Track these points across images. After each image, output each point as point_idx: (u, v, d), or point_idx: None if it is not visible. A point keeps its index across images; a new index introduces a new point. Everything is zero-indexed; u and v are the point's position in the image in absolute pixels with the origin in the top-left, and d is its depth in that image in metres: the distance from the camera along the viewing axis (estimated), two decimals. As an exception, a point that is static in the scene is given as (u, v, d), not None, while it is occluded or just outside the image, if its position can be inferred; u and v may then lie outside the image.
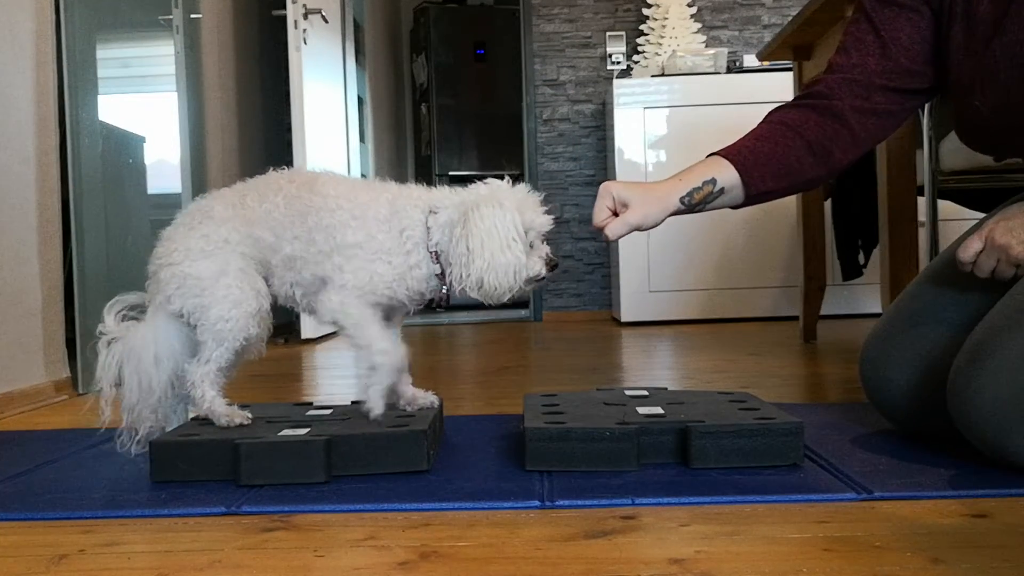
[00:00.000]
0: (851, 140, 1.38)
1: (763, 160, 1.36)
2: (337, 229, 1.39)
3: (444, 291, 1.44)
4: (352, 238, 1.38)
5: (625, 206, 1.35)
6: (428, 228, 1.40)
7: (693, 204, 1.37)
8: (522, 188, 1.41)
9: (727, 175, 1.36)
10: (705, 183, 1.35)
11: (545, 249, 1.41)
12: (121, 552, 1.03)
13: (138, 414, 1.43)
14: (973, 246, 1.27)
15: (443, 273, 1.40)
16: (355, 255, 1.38)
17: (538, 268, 1.39)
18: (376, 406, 1.39)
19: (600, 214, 1.37)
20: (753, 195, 1.38)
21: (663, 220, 1.37)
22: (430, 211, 1.41)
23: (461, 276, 1.36)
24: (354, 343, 1.40)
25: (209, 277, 1.39)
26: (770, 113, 1.44)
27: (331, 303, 1.39)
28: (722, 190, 1.36)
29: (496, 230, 1.35)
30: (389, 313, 1.47)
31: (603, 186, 1.38)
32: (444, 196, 1.42)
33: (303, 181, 1.44)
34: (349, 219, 1.39)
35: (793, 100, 1.45)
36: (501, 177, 1.43)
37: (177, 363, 1.45)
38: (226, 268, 1.40)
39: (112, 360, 1.42)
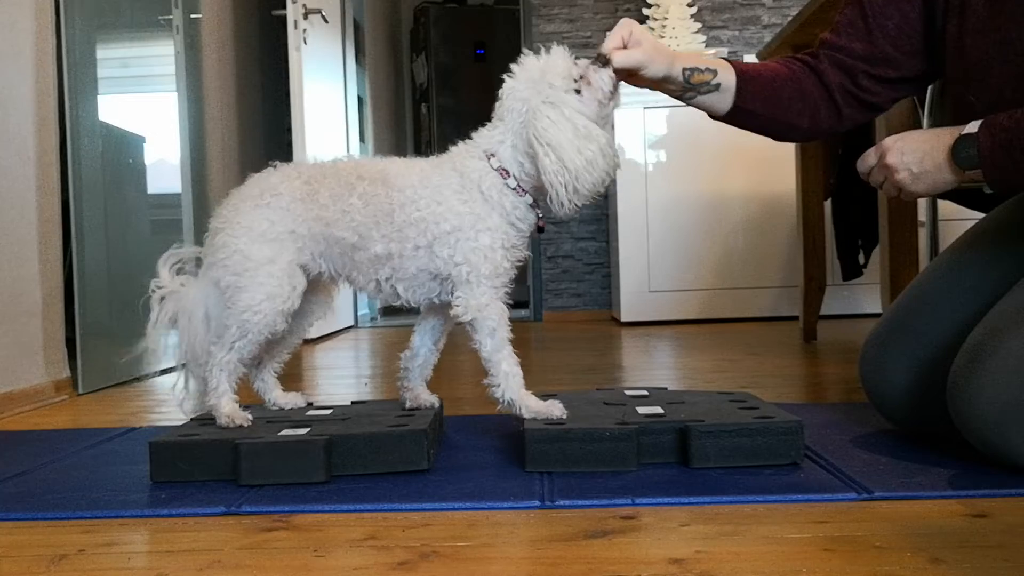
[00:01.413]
0: (836, 113, 1.41)
1: (762, 81, 1.40)
2: (428, 222, 1.36)
3: (541, 217, 1.42)
4: (447, 225, 1.36)
5: (638, 44, 1.33)
6: (499, 169, 1.37)
7: (689, 83, 1.37)
8: (541, 58, 1.36)
9: (727, 76, 1.39)
10: (708, 70, 1.38)
11: (587, 65, 1.35)
12: (121, 552, 1.03)
13: (192, 370, 1.45)
14: (869, 160, 1.32)
15: (535, 202, 1.39)
16: (458, 240, 1.36)
17: (606, 79, 1.34)
18: (551, 412, 1.36)
19: (611, 42, 1.33)
20: (739, 108, 1.40)
21: (660, 79, 1.35)
22: (488, 156, 1.38)
23: (565, 193, 1.31)
24: (481, 351, 1.38)
25: (256, 261, 1.38)
26: (773, 59, 1.47)
27: (471, 302, 1.36)
28: (718, 86, 1.38)
29: (565, 132, 1.31)
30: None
31: (624, 20, 1.37)
32: (486, 135, 1.40)
33: (373, 176, 1.40)
34: (435, 206, 1.36)
35: (790, 56, 1.47)
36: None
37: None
38: (277, 258, 1.39)
39: (164, 316, 1.43)
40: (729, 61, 1.40)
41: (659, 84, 1.37)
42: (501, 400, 1.39)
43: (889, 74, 1.40)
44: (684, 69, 1.36)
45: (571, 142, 1.31)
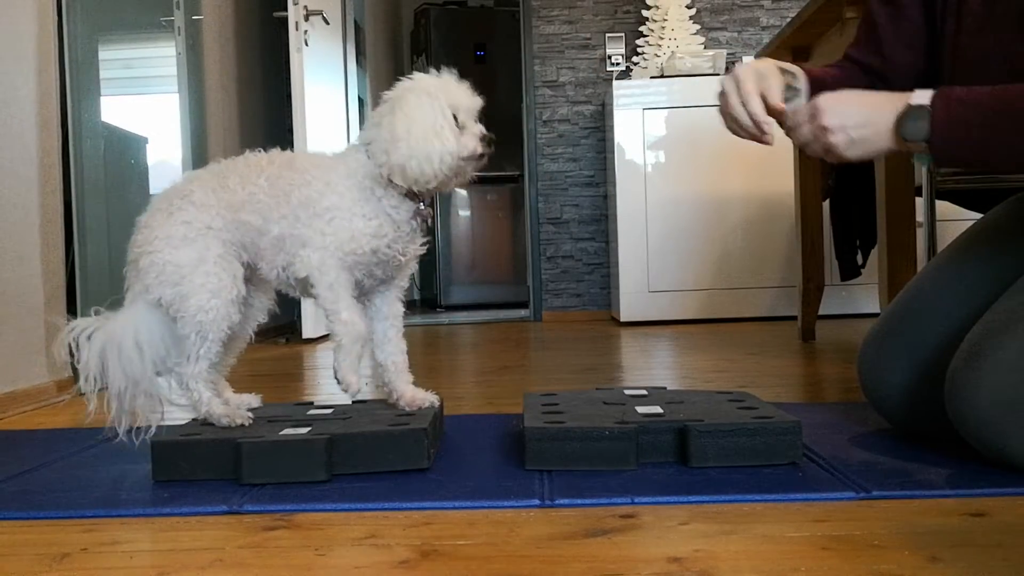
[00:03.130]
0: None
1: (827, 87, 1.35)
2: (314, 199, 1.40)
3: (423, 207, 1.45)
4: (328, 202, 1.40)
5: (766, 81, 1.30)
6: (372, 155, 1.41)
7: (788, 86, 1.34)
8: (447, 75, 1.42)
9: (803, 83, 1.36)
10: (790, 72, 1.35)
11: (478, 128, 1.42)
12: (123, 551, 1.04)
13: (128, 403, 1.41)
14: (801, 116, 1.26)
15: (409, 191, 1.42)
16: (334, 217, 1.40)
17: (473, 146, 1.40)
18: (350, 384, 1.40)
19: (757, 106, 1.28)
20: None
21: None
22: (366, 146, 1.43)
23: (387, 162, 1.38)
24: (322, 304, 1.42)
25: (188, 265, 1.39)
26: (821, 65, 1.47)
27: (310, 260, 1.39)
28: (798, 91, 1.34)
29: (422, 117, 1.37)
30: (390, 272, 1.48)
31: (741, 71, 1.30)
32: (366, 126, 1.46)
33: (283, 161, 1.45)
34: (323, 186, 1.41)
35: (835, 63, 1.48)
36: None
37: (160, 350, 1.44)
38: (205, 255, 1.40)
39: (94, 352, 1.39)
40: (800, 66, 1.39)
41: None
42: (337, 342, 1.42)
43: (906, 83, 1.40)
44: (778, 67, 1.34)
45: (423, 123, 1.36)
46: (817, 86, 1.37)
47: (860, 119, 1.21)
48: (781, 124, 1.33)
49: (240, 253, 1.45)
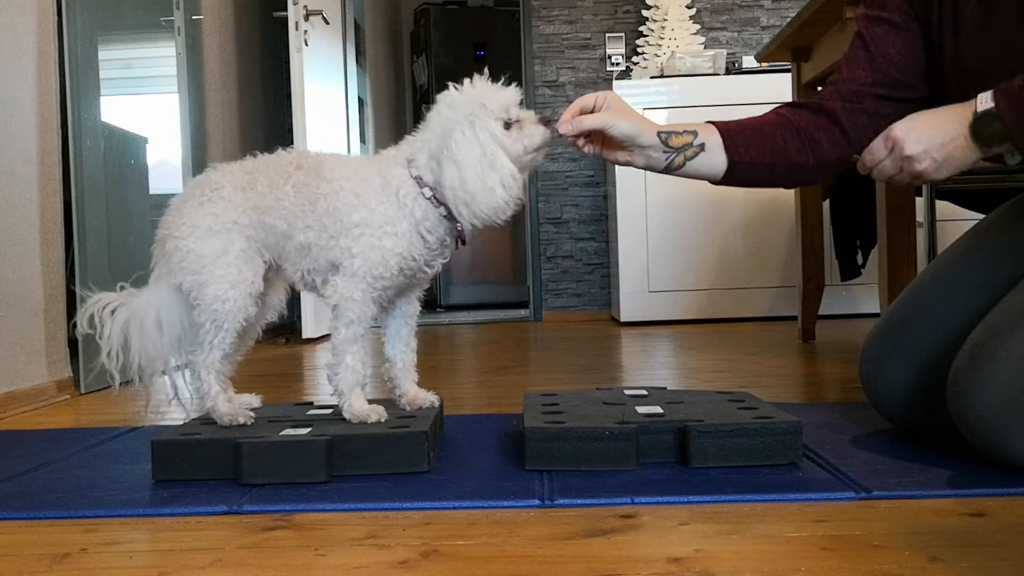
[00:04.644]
0: (841, 135, 1.38)
1: (748, 132, 1.38)
2: (342, 211, 1.39)
3: (459, 228, 1.43)
4: (356, 216, 1.38)
5: (608, 109, 1.33)
6: (416, 178, 1.39)
7: (668, 146, 1.35)
8: (478, 83, 1.38)
9: (710, 137, 1.37)
10: (686, 132, 1.36)
11: (531, 115, 1.38)
12: (123, 551, 1.04)
13: (146, 380, 1.46)
14: (879, 153, 1.26)
15: (450, 213, 1.40)
16: (362, 234, 1.38)
17: (538, 137, 1.37)
18: (368, 415, 1.39)
19: (571, 109, 1.34)
20: (735, 163, 1.37)
21: (630, 139, 1.34)
22: (409, 162, 1.41)
23: (464, 209, 1.35)
24: (333, 337, 1.42)
25: (210, 255, 1.40)
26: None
27: (340, 288, 1.39)
28: (702, 146, 1.36)
29: (470, 156, 1.33)
30: (412, 282, 1.48)
31: (600, 92, 1.36)
32: (412, 142, 1.42)
33: (310, 167, 1.43)
34: (352, 198, 1.39)
35: (789, 103, 1.47)
36: None
37: (177, 329, 1.46)
38: (229, 248, 1.41)
39: (117, 327, 1.43)
40: (711, 122, 1.39)
41: (641, 154, 1.36)
42: (335, 388, 1.42)
43: (898, 95, 1.38)
44: (659, 132, 1.34)
45: (474, 164, 1.33)
46: (735, 134, 1.36)
47: (938, 140, 1.21)
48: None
49: (262, 251, 1.45)
